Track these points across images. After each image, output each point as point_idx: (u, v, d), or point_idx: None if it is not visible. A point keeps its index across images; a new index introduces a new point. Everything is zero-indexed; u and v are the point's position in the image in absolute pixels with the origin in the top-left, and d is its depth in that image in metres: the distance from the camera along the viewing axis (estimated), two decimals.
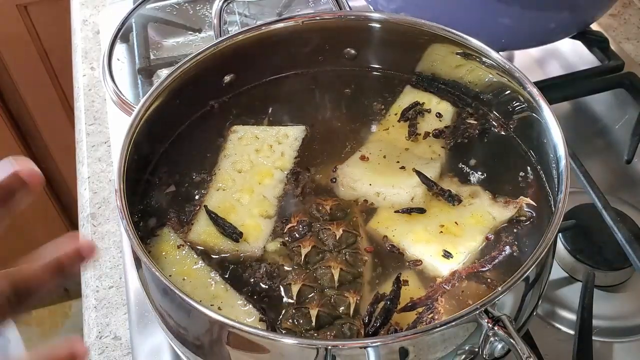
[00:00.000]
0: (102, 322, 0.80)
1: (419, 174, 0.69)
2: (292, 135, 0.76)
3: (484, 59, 0.72)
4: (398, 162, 0.72)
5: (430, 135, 0.76)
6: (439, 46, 0.76)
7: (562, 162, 0.61)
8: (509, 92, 0.72)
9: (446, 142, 0.75)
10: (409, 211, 0.67)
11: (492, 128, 0.76)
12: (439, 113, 0.78)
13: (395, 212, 0.68)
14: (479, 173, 0.72)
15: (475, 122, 0.76)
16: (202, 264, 0.64)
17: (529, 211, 0.67)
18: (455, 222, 0.66)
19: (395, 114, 0.78)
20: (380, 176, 0.71)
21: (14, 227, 1.89)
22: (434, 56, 0.78)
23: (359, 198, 0.70)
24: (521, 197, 0.67)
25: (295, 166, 0.73)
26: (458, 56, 0.75)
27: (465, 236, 0.65)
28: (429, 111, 0.78)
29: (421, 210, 0.67)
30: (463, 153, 0.74)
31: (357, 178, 0.71)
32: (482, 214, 0.67)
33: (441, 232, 0.65)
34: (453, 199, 0.68)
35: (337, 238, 0.64)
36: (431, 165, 0.71)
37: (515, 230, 0.65)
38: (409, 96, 0.80)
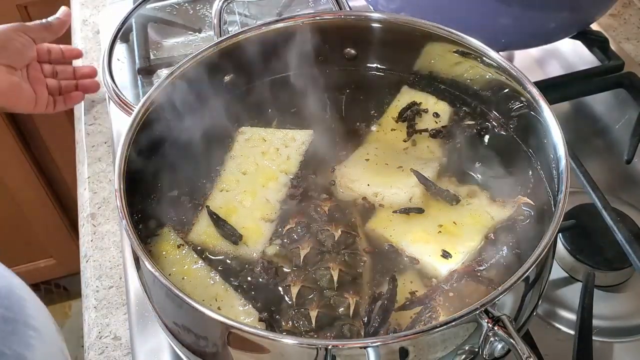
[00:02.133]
0: (102, 322, 0.80)
1: (417, 174, 0.69)
2: (299, 139, 0.76)
3: (483, 59, 0.72)
4: (396, 162, 0.72)
5: (428, 135, 0.76)
6: (439, 46, 0.76)
7: (562, 162, 0.61)
8: (508, 92, 0.72)
9: (444, 142, 0.75)
10: (407, 211, 0.67)
11: (491, 128, 0.76)
12: (436, 113, 0.78)
13: (393, 212, 0.68)
14: (477, 173, 0.72)
15: (473, 122, 0.76)
16: (202, 264, 0.64)
17: (527, 210, 0.67)
18: (454, 222, 0.66)
19: (393, 115, 0.78)
20: (379, 176, 0.71)
21: (14, 227, 1.90)
22: (434, 56, 0.78)
23: (357, 199, 0.70)
24: (519, 196, 0.67)
25: (299, 169, 0.73)
26: (458, 56, 0.75)
27: (464, 236, 0.65)
28: (426, 111, 0.78)
29: (419, 210, 0.67)
30: (461, 153, 0.74)
31: (355, 178, 0.71)
32: (481, 213, 0.67)
33: (440, 232, 0.65)
34: (451, 199, 0.68)
35: (336, 239, 0.64)
36: (429, 165, 0.71)
37: (514, 230, 0.65)
38: (406, 96, 0.80)
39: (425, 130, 0.76)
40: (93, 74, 1.00)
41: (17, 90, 0.82)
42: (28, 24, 0.83)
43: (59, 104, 0.93)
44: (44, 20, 0.86)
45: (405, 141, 0.76)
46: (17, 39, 0.80)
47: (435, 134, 0.76)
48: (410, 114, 0.77)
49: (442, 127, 0.76)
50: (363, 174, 0.71)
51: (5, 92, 0.81)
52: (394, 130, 0.77)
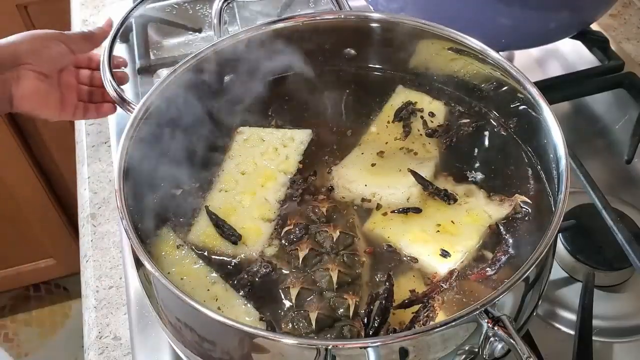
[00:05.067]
0: (102, 322, 0.80)
1: (414, 173, 0.69)
2: (297, 139, 0.76)
3: (483, 59, 0.72)
4: (393, 162, 0.72)
5: (424, 134, 0.76)
6: (439, 46, 0.76)
7: (562, 162, 0.61)
8: (508, 92, 0.72)
9: (440, 141, 0.75)
10: (405, 211, 0.67)
11: (490, 127, 0.76)
12: (431, 112, 0.78)
13: (391, 212, 0.68)
14: (475, 172, 0.72)
15: (468, 121, 0.76)
16: (202, 264, 0.64)
17: (526, 209, 0.67)
18: (452, 221, 0.66)
19: (389, 115, 0.78)
20: (376, 177, 0.71)
21: (14, 227, 1.90)
22: (434, 56, 0.78)
23: (355, 199, 0.70)
24: (516, 194, 0.67)
25: (298, 169, 0.73)
26: (458, 56, 0.75)
27: (462, 235, 0.65)
28: (421, 110, 0.78)
29: (417, 210, 0.67)
30: (457, 152, 0.74)
31: (352, 179, 0.71)
32: (478, 212, 0.67)
33: (438, 231, 0.65)
34: (449, 198, 0.68)
35: (335, 240, 0.64)
36: (425, 165, 0.71)
37: (513, 229, 0.65)
38: (402, 96, 0.80)
39: (425, 125, 0.76)
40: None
41: (43, 97, 0.80)
42: (69, 33, 0.80)
43: (90, 112, 0.88)
44: (86, 30, 0.83)
45: (401, 141, 0.76)
46: (54, 47, 0.78)
47: (431, 133, 0.76)
48: (405, 114, 0.77)
49: (438, 126, 0.76)
50: (360, 175, 0.71)
51: (29, 98, 0.78)
52: (390, 130, 0.77)
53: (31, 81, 0.77)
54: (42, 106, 0.80)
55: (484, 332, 0.51)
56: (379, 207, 0.69)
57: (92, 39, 0.83)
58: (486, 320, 0.50)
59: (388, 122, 0.78)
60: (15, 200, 1.82)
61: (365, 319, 0.58)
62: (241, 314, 0.60)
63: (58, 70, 0.80)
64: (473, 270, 0.63)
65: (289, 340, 0.51)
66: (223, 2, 0.82)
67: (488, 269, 0.62)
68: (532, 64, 1.08)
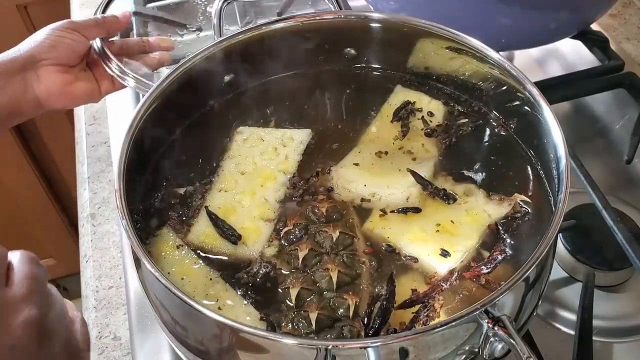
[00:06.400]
0: (102, 322, 0.80)
1: (413, 173, 0.69)
2: (297, 139, 0.76)
3: (483, 59, 0.72)
4: (392, 162, 0.72)
5: (423, 134, 0.76)
6: (438, 46, 0.76)
7: (562, 162, 0.61)
8: (508, 92, 0.72)
9: (439, 140, 0.75)
10: (404, 211, 0.67)
11: (490, 127, 0.76)
12: (430, 112, 0.78)
13: (391, 212, 0.68)
14: (474, 171, 0.72)
15: (468, 120, 0.76)
16: (202, 264, 0.64)
17: (525, 208, 0.67)
18: (452, 221, 0.66)
19: (388, 114, 0.78)
20: (375, 177, 0.71)
21: (14, 227, 1.89)
22: (433, 56, 0.78)
23: (354, 199, 0.70)
24: (515, 193, 0.67)
25: (297, 169, 0.73)
26: (457, 56, 0.75)
27: (462, 234, 0.65)
28: (420, 110, 0.78)
29: (417, 210, 0.67)
30: (456, 151, 0.74)
31: (351, 179, 0.71)
32: (478, 212, 0.67)
33: (437, 231, 0.65)
34: (448, 198, 0.68)
35: (334, 240, 0.64)
36: (424, 165, 0.71)
37: (512, 229, 0.65)
38: (400, 95, 0.80)
39: (425, 124, 0.76)
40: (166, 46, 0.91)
41: (69, 88, 0.79)
42: (81, 20, 0.81)
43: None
44: (98, 16, 0.84)
45: (400, 140, 0.76)
46: (68, 36, 0.79)
47: (429, 133, 0.76)
48: (404, 113, 0.77)
49: (437, 125, 0.76)
50: (360, 175, 0.71)
51: (56, 93, 0.78)
52: (389, 129, 0.77)
53: (52, 75, 0.77)
54: (73, 97, 0.80)
55: (484, 332, 0.51)
56: (378, 207, 0.69)
57: (104, 25, 0.82)
58: (486, 321, 0.50)
59: (387, 121, 0.78)
60: (15, 201, 1.82)
61: (366, 319, 0.58)
62: (241, 314, 0.60)
63: (80, 57, 0.80)
64: (471, 268, 0.63)
65: (289, 340, 0.51)
66: (223, 2, 0.82)
67: (483, 267, 0.62)
68: (532, 64, 1.08)
